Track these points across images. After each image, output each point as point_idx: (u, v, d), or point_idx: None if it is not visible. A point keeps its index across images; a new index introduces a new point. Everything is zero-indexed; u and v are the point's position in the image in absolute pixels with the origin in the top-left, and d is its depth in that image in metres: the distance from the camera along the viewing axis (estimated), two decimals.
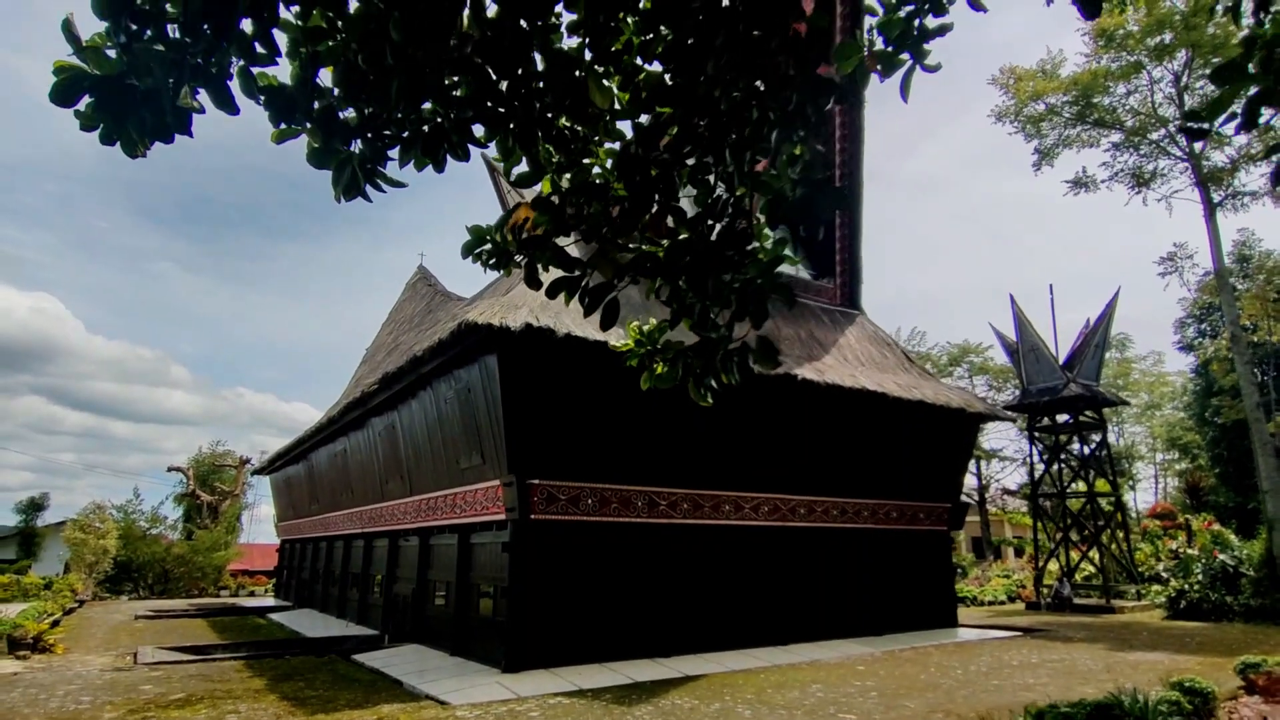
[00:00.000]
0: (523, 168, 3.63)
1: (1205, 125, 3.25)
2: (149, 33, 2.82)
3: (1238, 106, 3.16)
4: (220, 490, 39.34)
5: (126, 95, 2.87)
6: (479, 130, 3.43)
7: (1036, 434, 24.75)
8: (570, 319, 11.08)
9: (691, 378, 3.89)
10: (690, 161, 3.66)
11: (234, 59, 2.89)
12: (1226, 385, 28.82)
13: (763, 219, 3.70)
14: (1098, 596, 21.84)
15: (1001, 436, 47.96)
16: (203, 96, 2.95)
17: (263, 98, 3.07)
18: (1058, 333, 25.24)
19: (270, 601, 27.23)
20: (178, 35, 2.83)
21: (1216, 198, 20.07)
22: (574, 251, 3.79)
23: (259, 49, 2.87)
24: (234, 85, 2.91)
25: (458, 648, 12.29)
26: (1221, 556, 18.37)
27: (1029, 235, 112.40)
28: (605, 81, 3.33)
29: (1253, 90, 3.13)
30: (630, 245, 3.69)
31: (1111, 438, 46.84)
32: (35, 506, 37.88)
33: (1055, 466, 23.86)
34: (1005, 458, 41.73)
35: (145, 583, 31.31)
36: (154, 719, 8.01)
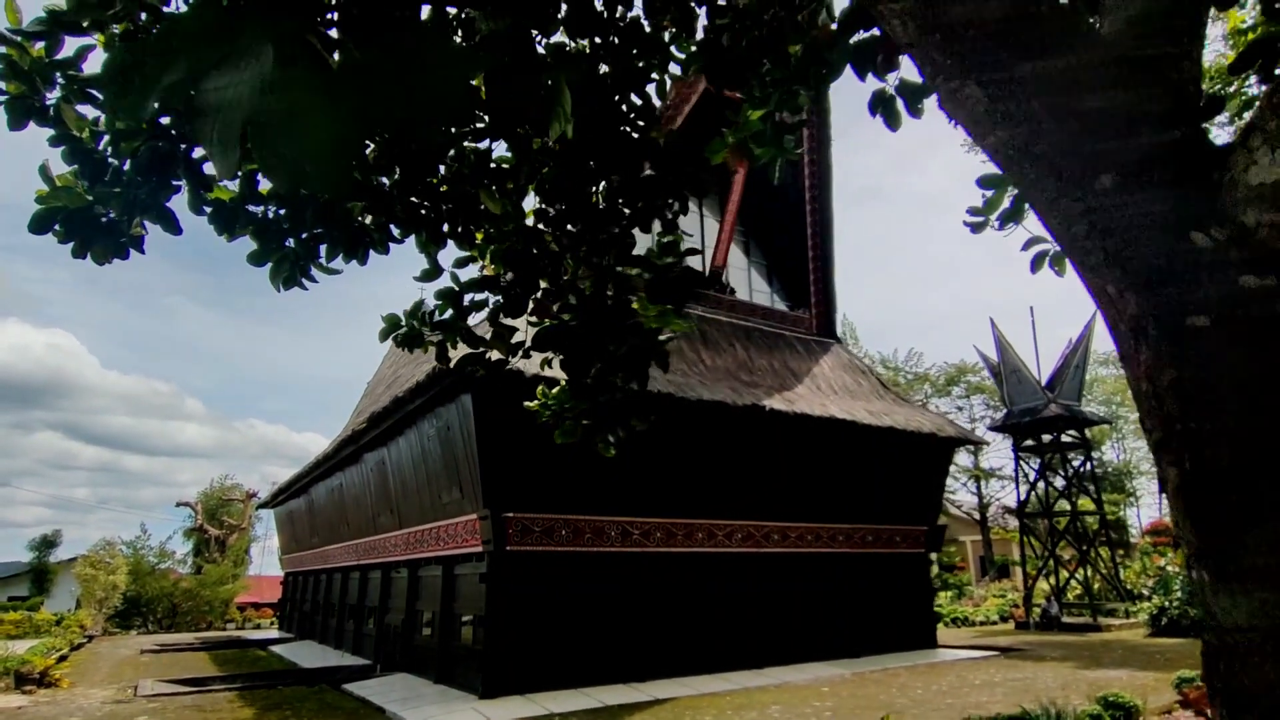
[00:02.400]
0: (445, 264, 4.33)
1: (983, 219, 3.92)
2: (107, 176, 3.55)
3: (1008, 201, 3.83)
4: (228, 524, 40.02)
5: (90, 224, 3.59)
6: (396, 229, 4.12)
7: (1021, 454, 25.11)
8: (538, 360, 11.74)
9: (594, 434, 4.55)
10: (580, 250, 4.32)
11: (181, 182, 3.60)
12: None
13: (643, 295, 4.33)
14: (1086, 615, 22.05)
15: (1001, 455, 48.03)
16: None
17: (208, 212, 3.78)
18: (1039, 354, 25.63)
19: (274, 634, 27.74)
20: (129, 175, 3.55)
21: None
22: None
23: (205, 171, 3.58)
24: (184, 199, 3.60)
25: (442, 675, 12.80)
26: None
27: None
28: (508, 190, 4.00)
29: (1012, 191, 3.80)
30: (533, 322, 4.35)
31: (1112, 454, 46.98)
32: (48, 544, 38.65)
33: (1040, 486, 24.19)
34: (1004, 477, 41.88)
35: (154, 617, 31.90)
36: None
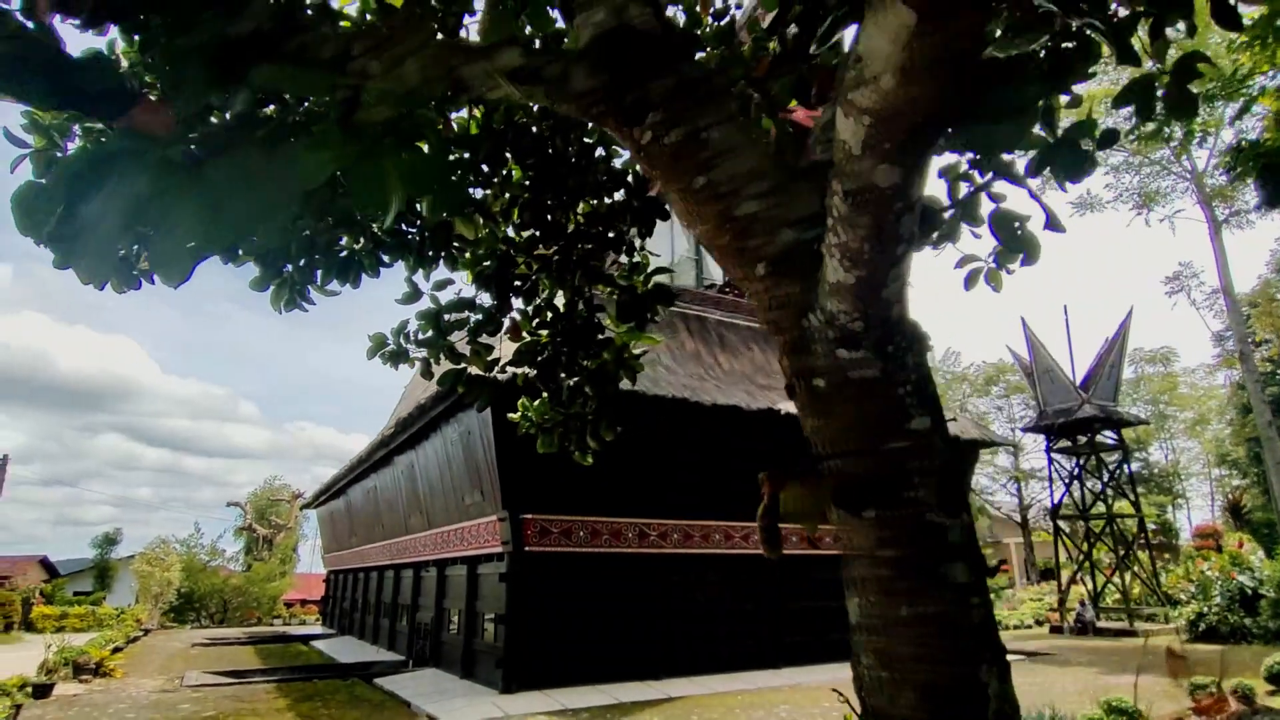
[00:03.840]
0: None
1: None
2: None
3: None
4: (275, 524, 41.54)
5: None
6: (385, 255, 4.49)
7: (1057, 455, 24.64)
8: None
9: (570, 443, 4.88)
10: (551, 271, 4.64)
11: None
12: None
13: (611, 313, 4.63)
14: (1123, 620, 21.56)
15: (1042, 456, 46.91)
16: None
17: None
18: (1074, 354, 25.14)
19: (318, 630, 28.78)
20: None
21: (1221, 215, 20.03)
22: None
23: None
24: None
25: (466, 671, 13.27)
26: (1240, 578, 18.11)
27: (1086, 252, 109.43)
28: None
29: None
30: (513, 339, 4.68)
31: (1158, 455, 45.46)
32: (109, 541, 40.62)
33: (1075, 488, 23.71)
34: (1044, 478, 40.92)
35: (207, 612, 33.38)
36: None
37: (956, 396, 45.77)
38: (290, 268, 4.38)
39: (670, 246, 17.18)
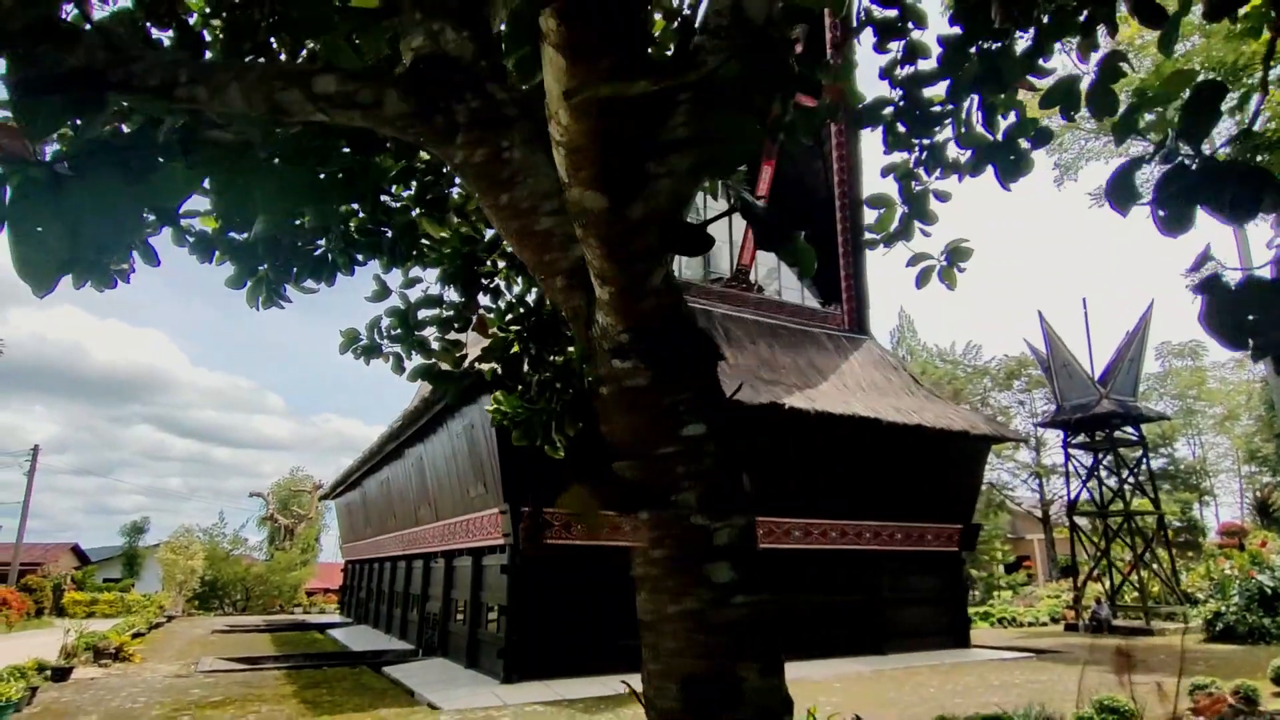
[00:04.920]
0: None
1: (876, 237, 4.10)
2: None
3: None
4: (297, 514, 42.31)
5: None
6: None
7: (1076, 451, 24.27)
8: None
9: (532, 436, 4.95)
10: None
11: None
12: None
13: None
14: (1140, 619, 21.23)
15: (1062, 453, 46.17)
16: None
17: (190, 242, 4.31)
18: (1092, 348, 24.78)
19: (335, 619, 29.31)
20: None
21: None
22: None
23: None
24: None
25: (471, 661, 13.47)
26: (1259, 577, 17.73)
27: (1107, 244, 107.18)
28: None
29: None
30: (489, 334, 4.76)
31: (1185, 451, 44.53)
32: (137, 530, 41.64)
33: (1094, 484, 23.35)
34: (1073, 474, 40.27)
35: (230, 600, 34.15)
36: (190, 716, 9.48)
37: (977, 391, 45.19)
38: (265, 266, 4.49)
39: None
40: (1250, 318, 1.76)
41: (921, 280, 4.00)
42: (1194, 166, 1.71)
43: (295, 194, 2.04)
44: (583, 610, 12.66)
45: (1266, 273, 1.79)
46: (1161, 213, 1.75)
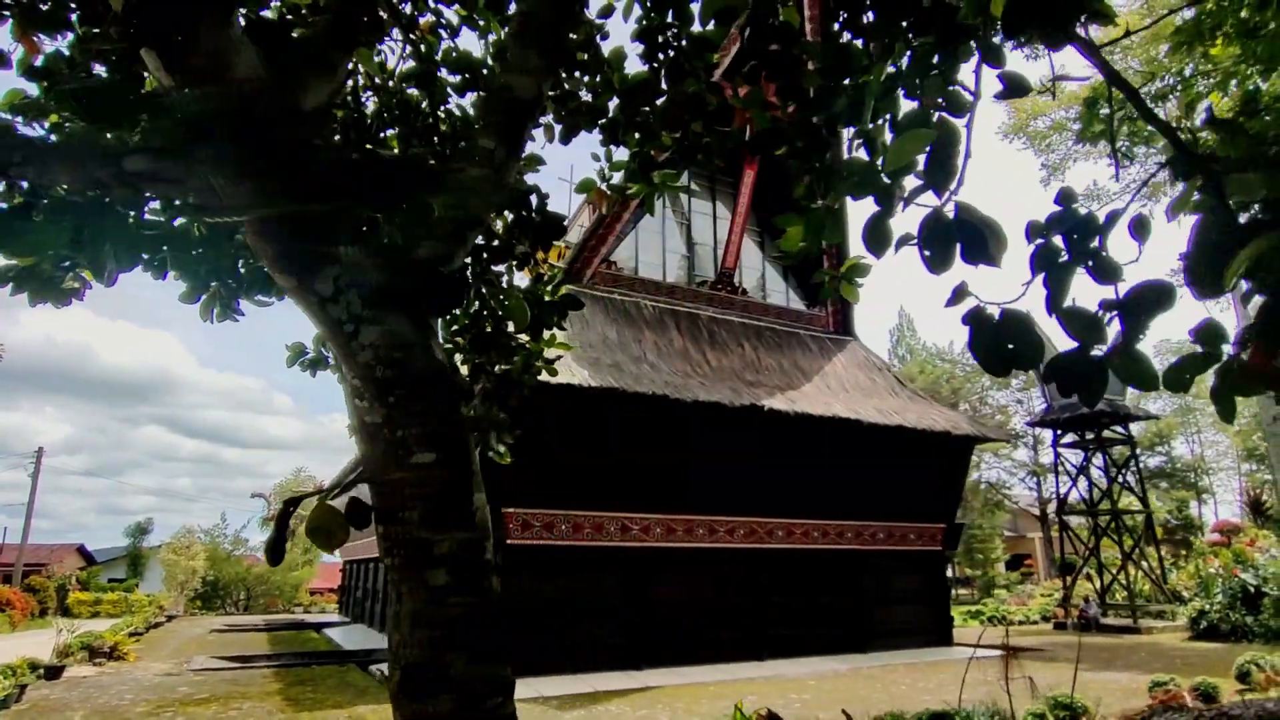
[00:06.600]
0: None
1: (786, 254, 4.29)
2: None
3: None
4: (298, 514, 42.64)
5: (37, 280, 4.39)
6: None
7: (1067, 450, 24.38)
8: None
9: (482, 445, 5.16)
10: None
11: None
12: None
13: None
14: (1128, 617, 21.33)
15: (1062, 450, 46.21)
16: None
17: (144, 259, 4.54)
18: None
19: (334, 618, 29.65)
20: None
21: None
22: None
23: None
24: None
25: None
26: (1242, 576, 17.82)
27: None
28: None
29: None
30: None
31: (1183, 449, 44.46)
32: (141, 530, 42.11)
33: (1083, 483, 23.45)
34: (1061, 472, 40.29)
35: (232, 600, 34.56)
36: (174, 713, 9.75)
37: (976, 389, 45.24)
38: (215, 283, 4.72)
39: (661, 244, 17.36)
40: (1010, 346, 1.98)
41: (822, 291, 4.23)
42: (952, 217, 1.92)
43: (148, 243, 2.24)
44: (564, 610, 12.89)
45: (1021, 305, 2.02)
46: (928, 253, 1.96)
